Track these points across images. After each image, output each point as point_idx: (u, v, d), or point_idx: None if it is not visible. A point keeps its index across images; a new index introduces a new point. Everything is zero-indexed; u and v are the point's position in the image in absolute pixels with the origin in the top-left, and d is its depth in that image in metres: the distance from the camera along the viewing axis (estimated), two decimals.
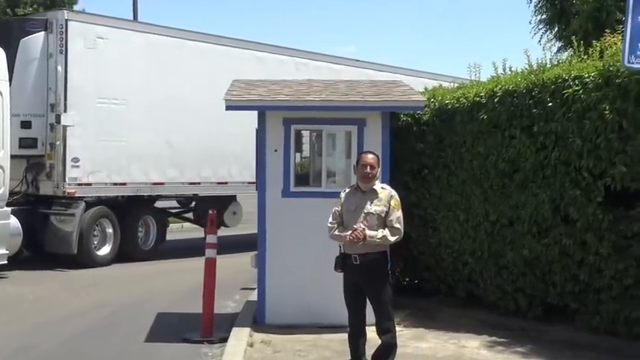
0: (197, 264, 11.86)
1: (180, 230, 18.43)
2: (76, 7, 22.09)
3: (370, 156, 5.95)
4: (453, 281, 8.93)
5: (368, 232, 5.70)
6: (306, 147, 8.94)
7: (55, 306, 9.80)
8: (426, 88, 9.91)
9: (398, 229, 5.80)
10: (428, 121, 8.98)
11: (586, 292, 7.19)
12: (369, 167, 5.84)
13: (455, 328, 7.97)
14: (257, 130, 8.35)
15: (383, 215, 5.77)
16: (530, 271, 7.75)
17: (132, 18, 22.31)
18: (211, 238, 8.08)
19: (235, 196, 15.98)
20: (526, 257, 7.70)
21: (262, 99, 8.15)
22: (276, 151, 8.14)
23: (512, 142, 7.73)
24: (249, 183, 15.16)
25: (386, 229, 5.78)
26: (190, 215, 16.92)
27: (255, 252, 8.35)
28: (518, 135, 7.66)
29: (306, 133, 8.77)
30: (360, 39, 73.75)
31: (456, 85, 9.76)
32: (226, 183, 15.32)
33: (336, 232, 5.87)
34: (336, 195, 6.14)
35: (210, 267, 7.98)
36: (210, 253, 8.02)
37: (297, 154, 8.64)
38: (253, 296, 9.16)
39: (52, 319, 8.93)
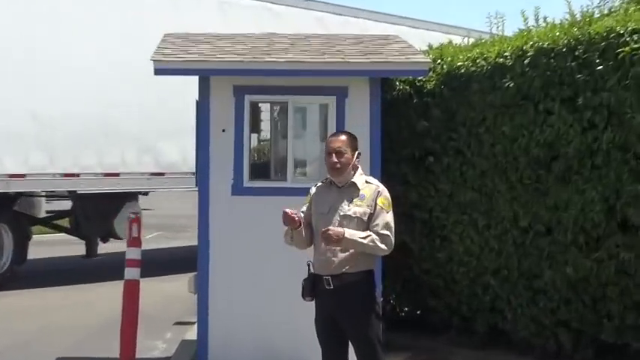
0: (102, 292, 11.85)
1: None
2: None
3: (340, 138, 6.01)
4: (470, 311, 8.96)
5: (347, 231, 5.72)
6: (265, 126, 8.94)
7: None
8: (430, 46, 9.93)
9: (387, 236, 5.82)
10: (433, 90, 8.99)
11: None
12: (334, 155, 5.88)
13: None
14: (197, 103, 8.35)
15: (366, 219, 5.81)
16: (577, 297, 7.76)
17: None
18: (133, 253, 8.05)
19: (133, 194, 15.72)
20: (570, 278, 7.70)
21: (205, 59, 8.13)
22: (224, 131, 8.16)
23: (549, 120, 7.74)
24: (153, 174, 15.17)
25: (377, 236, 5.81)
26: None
27: (194, 273, 8.34)
28: (556, 109, 7.66)
29: (265, 107, 8.75)
30: None
31: (471, 41, 9.78)
32: (118, 175, 14.89)
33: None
34: (307, 192, 6.18)
35: (132, 293, 7.96)
36: (131, 273, 7.99)
37: (254, 136, 8.64)
38: (191, 334, 9.13)
39: None
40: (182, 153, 14.85)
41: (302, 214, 5.97)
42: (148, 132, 14.65)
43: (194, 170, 15.22)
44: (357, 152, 5.96)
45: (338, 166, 5.87)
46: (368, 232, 5.77)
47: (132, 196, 15.70)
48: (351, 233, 5.71)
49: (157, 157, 15.07)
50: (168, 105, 14.33)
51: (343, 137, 6.02)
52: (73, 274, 14.60)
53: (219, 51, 8.35)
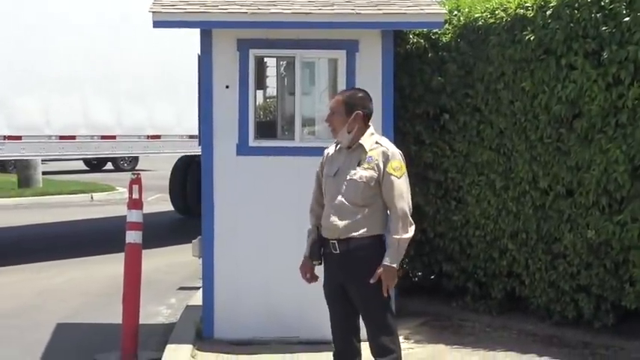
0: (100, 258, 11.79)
1: None
2: None
3: (335, 97, 6.08)
4: (486, 276, 8.99)
5: (389, 259, 5.67)
6: (272, 82, 8.87)
7: None
8: None
9: (402, 209, 5.71)
10: (449, 43, 8.97)
11: None
12: (328, 115, 5.96)
13: (488, 345, 8.04)
14: (199, 57, 8.29)
15: (373, 184, 5.76)
16: (598, 262, 7.78)
17: None
18: (135, 215, 8.01)
19: None
20: (592, 241, 7.73)
21: (207, 11, 8.05)
22: (227, 87, 8.11)
23: (572, 75, 7.71)
24: (8, 138, 13.27)
25: (389, 218, 5.75)
26: None
27: (199, 236, 8.34)
28: (580, 64, 7.63)
29: (271, 62, 8.68)
30: None
31: None
32: None
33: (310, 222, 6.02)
34: (316, 153, 6.20)
35: (134, 257, 7.95)
36: (133, 236, 7.97)
37: (259, 93, 8.58)
38: (196, 299, 9.22)
39: None
40: (44, 111, 13.70)
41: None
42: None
43: (61, 133, 13.65)
44: (355, 113, 5.85)
45: (331, 128, 5.94)
46: (395, 238, 5.68)
47: None
48: (391, 259, 5.67)
49: (10, 116, 13.21)
50: (27, 48, 13.21)
51: (337, 97, 6.04)
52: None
53: (222, 1, 8.25)
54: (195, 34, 8.31)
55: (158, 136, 15.21)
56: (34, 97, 13.33)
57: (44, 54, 13.42)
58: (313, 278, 6.03)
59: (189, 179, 17.67)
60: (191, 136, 15.19)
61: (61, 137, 13.85)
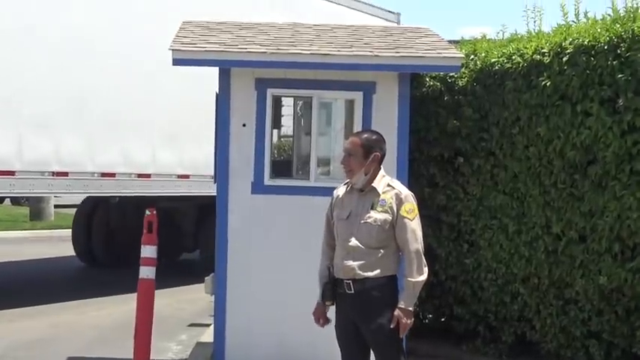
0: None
1: None
2: None
3: (352, 139, 6.04)
4: (497, 320, 8.98)
5: (405, 302, 5.70)
6: (288, 121, 8.92)
7: None
8: (463, 40, 9.92)
9: (416, 250, 5.75)
10: (465, 87, 9.01)
11: None
12: (344, 157, 5.94)
13: None
14: (217, 95, 8.35)
15: (387, 227, 5.79)
16: (609, 308, 7.77)
17: None
18: (149, 251, 8.05)
19: None
20: (603, 287, 7.71)
21: (226, 50, 8.14)
22: (244, 125, 8.17)
23: (587, 121, 7.71)
24: None
25: (404, 260, 5.79)
26: None
27: (212, 274, 8.36)
28: (595, 110, 7.63)
29: (288, 102, 8.74)
30: None
31: (506, 36, 9.76)
32: None
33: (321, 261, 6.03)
34: (331, 193, 6.19)
35: (147, 292, 7.98)
36: (146, 272, 8.00)
37: (275, 132, 8.63)
38: (207, 336, 9.19)
39: None
40: None
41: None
42: None
43: None
44: (372, 155, 5.88)
45: (346, 170, 5.93)
46: (411, 281, 5.72)
47: None
48: (407, 302, 5.72)
49: None
50: None
51: (354, 139, 6.02)
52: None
53: (241, 41, 8.35)
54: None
55: (65, 173, 12.77)
56: None
57: None
58: (326, 322, 6.04)
59: (95, 224, 16.31)
60: (104, 174, 13.28)
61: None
